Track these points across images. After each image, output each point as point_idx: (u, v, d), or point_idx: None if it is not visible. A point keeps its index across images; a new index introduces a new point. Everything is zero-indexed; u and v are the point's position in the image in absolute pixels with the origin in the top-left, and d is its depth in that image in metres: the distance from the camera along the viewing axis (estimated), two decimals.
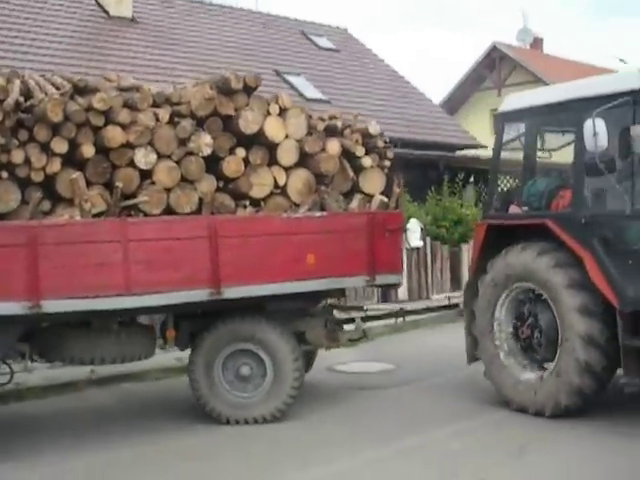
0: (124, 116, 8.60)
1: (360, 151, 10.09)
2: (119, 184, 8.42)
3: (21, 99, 8.46)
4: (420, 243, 18.72)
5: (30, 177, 8.36)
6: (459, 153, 26.05)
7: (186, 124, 8.91)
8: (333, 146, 9.77)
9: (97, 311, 8.30)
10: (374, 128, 10.26)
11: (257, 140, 9.32)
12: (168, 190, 8.79)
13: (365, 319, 11.05)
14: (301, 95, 22.63)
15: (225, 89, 9.23)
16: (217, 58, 22.95)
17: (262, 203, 9.42)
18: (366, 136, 10.20)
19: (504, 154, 10.20)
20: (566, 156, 9.21)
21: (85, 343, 8.85)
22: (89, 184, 8.46)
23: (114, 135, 8.51)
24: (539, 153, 10.19)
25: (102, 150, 8.55)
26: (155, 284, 8.39)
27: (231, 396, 9.19)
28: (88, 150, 8.45)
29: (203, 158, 8.95)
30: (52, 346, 8.89)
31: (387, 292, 17.33)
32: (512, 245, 9.34)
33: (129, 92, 9.07)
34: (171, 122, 8.96)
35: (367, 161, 10.12)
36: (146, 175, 8.75)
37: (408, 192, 18.06)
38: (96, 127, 8.50)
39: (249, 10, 28.68)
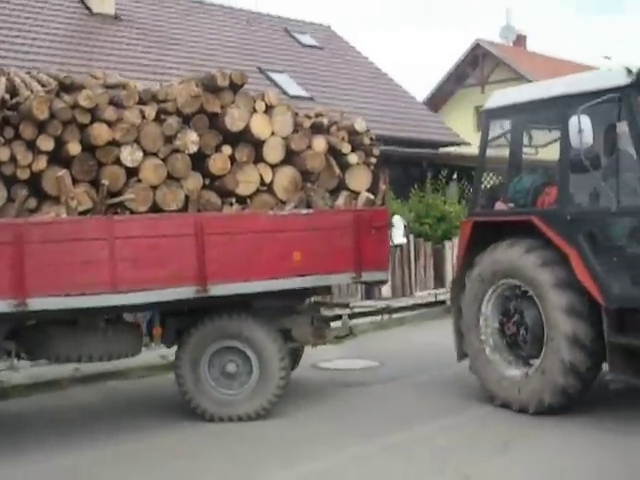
0: (110, 113, 8.59)
1: (346, 148, 10.09)
2: (105, 182, 8.40)
3: (7, 96, 8.46)
4: (403, 240, 18.70)
5: (16, 175, 8.34)
6: (442, 150, 26.04)
7: (172, 121, 8.89)
8: (319, 143, 9.76)
9: (83, 309, 8.27)
10: (360, 125, 10.27)
11: (243, 137, 9.31)
12: (154, 188, 8.78)
13: (351, 316, 11.06)
14: (284, 92, 22.56)
15: (211, 86, 9.22)
16: (200, 55, 22.91)
17: (248, 200, 9.42)
18: (352, 133, 10.21)
19: (490, 151, 10.22)
20: (553, 153, 9.22)
21: (72, 341, 8.84)
22: (75, 182, 8.43)
23: (100, 133, 8.49)
24: (525, 150, 10.20)
25: (88, 148, 8.53)
26: (141, 282, 8.39)
27: (217, 393, 9.19)
28: (74, 148, 8.44)
29: (189, 155, 8.94)
30: (38, 344, 8.86)
31: (371, 289, 17.30)
32: (499, 241, 9.36)
33: (115, 89, 9.09)
34: (157, 119, 8.93)
35: (353, 158, 10.13)
36: (132, 173, 8.73)
37: (391, 189, 18.03)
38: (82, 125, 8.48)
39: (233, 7, 28.60)
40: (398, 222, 18.44)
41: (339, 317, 10.60)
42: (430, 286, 19.17)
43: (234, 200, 9.30)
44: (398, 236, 18.46)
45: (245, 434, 8.74)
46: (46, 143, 8.34)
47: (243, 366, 9.21)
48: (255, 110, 9.37)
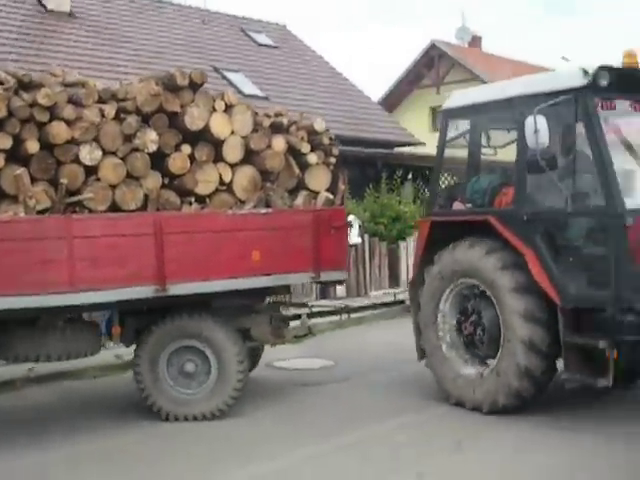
0: (69, 112, 8.52)
1: (306, 148, 10.12)
2: (64, 180, 8.35)
3: None
4: (358, 240, 18.75)
5: None
6: (397, 150, 26.17)
7: (132, 120, 8.84)
8: (279, 143, 9.78)
9: (42, 308, 8.22)
10: (320, 125, 10.30)
11: (203, 137, 9.29)
12: (113, 187, 8.73)
13: (310, 315, 11.10)
14: (239, 91, 22.50)
15: (171, 85, 9.18)
16: (149, 53, 23.03)
17: (207, 200, 9.40)
18: (312, 133, 10.24)
19: (447, 151, 10.27)
20: (511, 154, 9.29)
21: (30, 341, 8.76)
22: (33, 180, 8.36)
23: (59, 131, 8.43)
24: (484, 150, 10.28)
25: (47, 146, 8.45)
26: (100, 281, 8.35)
27: (175, 392, 9.16)
28: (32, 146, 8.36)
29: (149, 154, 8.90)
30: None
31: (326, 289, 17.32)
32: (458, 241, 9.40)
33: (74, 88, 9.00)
34: (117, 118, 8.87)
35: (312, 158, 10.16)
36: (91, 171, 8.67)
37: (347, 189, 18.07)
38: (41, 123, 8.41)
39: (187, 6, 28.49)
40: (353, 222, 18.47)
41: (298, 317, 10.62)
42: (385, 285, 19.24)
43: (193, 199, 9.27)
44: (353, 236, 18.47)
45: (202, 434, 8.71)
46: (4, 141, 8.25)
47: (202, 366, 9.19)
48: (215, 109, 9.35)
